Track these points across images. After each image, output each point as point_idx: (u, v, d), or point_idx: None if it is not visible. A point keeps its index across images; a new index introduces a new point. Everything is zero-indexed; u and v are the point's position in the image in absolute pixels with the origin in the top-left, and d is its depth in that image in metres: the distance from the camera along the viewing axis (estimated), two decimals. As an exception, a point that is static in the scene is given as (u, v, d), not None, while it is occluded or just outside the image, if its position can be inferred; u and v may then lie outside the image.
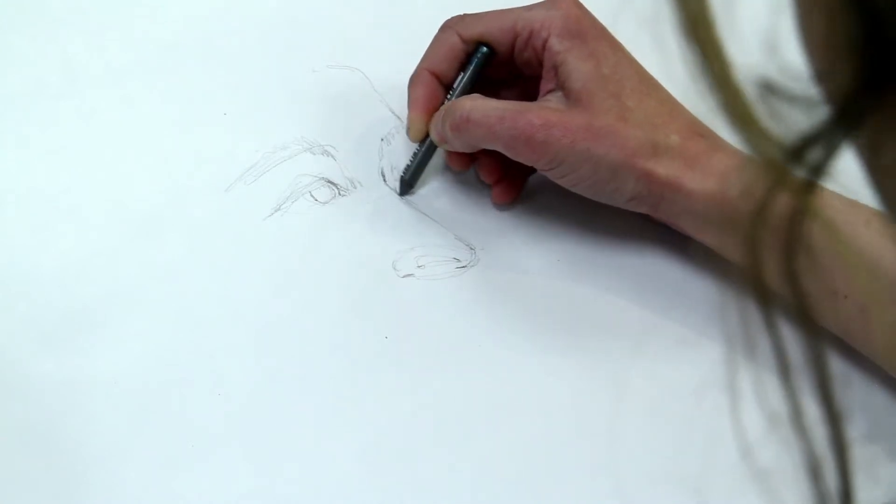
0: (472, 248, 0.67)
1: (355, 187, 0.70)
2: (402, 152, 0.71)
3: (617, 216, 0.67)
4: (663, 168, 0.62)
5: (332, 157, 0.70)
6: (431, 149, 0.68)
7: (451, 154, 0.68)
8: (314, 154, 0.71)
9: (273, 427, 0.61)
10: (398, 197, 0.69)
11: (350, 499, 0.60)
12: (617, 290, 0.66)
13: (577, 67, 0.63)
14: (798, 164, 0.31)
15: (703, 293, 0.66)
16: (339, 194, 0.69)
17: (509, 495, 0.60)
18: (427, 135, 0.67)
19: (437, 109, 0.67)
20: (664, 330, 0.65)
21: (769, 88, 0.31)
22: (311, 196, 0.69)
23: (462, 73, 0.67)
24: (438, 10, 0.77)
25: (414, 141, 0.68)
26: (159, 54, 0.74)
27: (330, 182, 0.70)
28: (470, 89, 0.66)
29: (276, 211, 0.69)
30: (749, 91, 0.31)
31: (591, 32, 0.64)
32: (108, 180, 0.70)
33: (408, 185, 0.69)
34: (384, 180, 0.70)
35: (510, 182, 0.68)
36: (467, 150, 0.66)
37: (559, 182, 0.64)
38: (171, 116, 0.72)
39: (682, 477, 0.60)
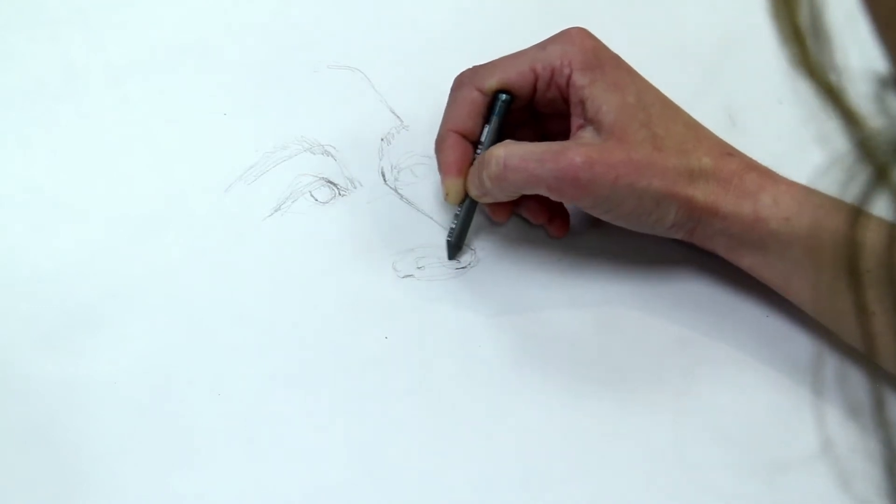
0: (472, 250, 0.67)
1: (355, 187, 0.70)
2: (402, 152, 0.71)
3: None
4: (701, 193, 0.62)
5: (332, 157, 0.70)
6: (473, 206, 0.66)
7: (493, 206, 0.66)
8: (314, 154, 0.71)
9: (273, 427, 0.61)
10: (398, 197, 0.69)
11: (350, 499, 0.60)
12: (617, 290, 0.66)
13: (606, 100, 0.62)
14: None
15: (703, 289, 0.66)
16: (339, 194, 0.69)
17: (510, 496, 0.60)
18: (466, 195, 0.66)
19: (469, 167, 0.65)
20: (664, 327, 0.65)
21: (885, 84, 0.31)
22: (311, 196, 0.69)
23: (487, 126, 0.65)
24: (438, 10, 0.77)
25: (454, 204, 0.66)
26: (159, 54, 0.74)
27: (330, 182, 0.70)
28: (497, 139, 0.65)
29: (276, 211, 0.69)
30: (850, 87, 0.31)
31: (609, 63, 0.64)
32: (108, 180, 0.70)
33: (456, 247, 0.67)
34: (384, 180, 0.70)
35: (562, 216, 0.67)
36: (509, 199, 0.65)
37: (603, 218, 0.63)
38: (170, 116, 0.72)
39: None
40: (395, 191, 0.70)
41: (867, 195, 0.32)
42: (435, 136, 0.68)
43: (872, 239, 0.34)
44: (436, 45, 0.75)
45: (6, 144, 0.71)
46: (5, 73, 0.74)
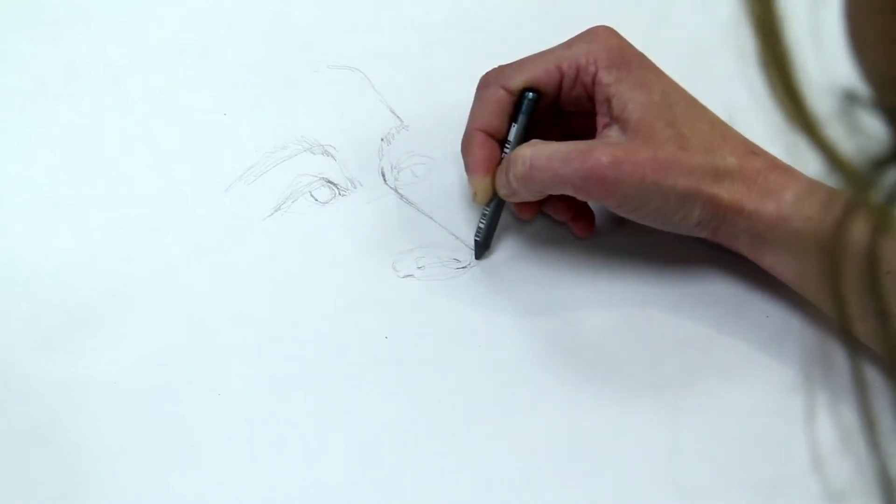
0: (472, 249, 0.67)
1: (355, 187, 0.70)
2: (402, 152, 0.71)
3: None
4: (726, 192, 0.62)
5: (332, 157, 0.70)
6: (500, 205, 0.66)
7: (520, 204, 0.66)
8: (314, 154, 0.71)
9: (273, 427, 0.61)
10: (398, 197, 0.69)
11: (350, 499, 0.60)
12: (618, 290, 0.66)
13: (632, 98, 0.62)
14: (879, 178, 0.31)
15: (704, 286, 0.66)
16: (339, 194, 0.69)
17: (511, 496, 0.60)
18: (495, 194, 0.66)
19: (497, 167, 0.65)
20: (665, 327, 0.65)
21: (852, 98, 0.31)
22: (311, 196, 0.69)
23: (514, 124, 0.65)
24: (438, 10, 0.77)
25: (482, 204, 0.66)
26: (159, 54, 0.74)
27: (330, 182, 0.70)
28: (524, 138, 0.65)
29: (276, 211, 0.69)
30: (819, 106, 0.31)
31: (634, 61, 0.64)
32: (108, 180, 0.70)
33: (483, 246, 0.67)
34: (384, 180, 0.70)
35: (586, 216, 0.67)
36: (536, 199, 0.65)
37: (628, 217, 0.63)
38: (170, 116, 0.72)
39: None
40: (395, 191, 0.70)
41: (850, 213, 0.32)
42: (436, 137, 0.67)
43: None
44: (436, 45, 0.75)
45: (6, 144, 0.71)
46: (5, 73, 0.74)
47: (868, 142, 0.31)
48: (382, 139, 0.71)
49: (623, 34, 0.65)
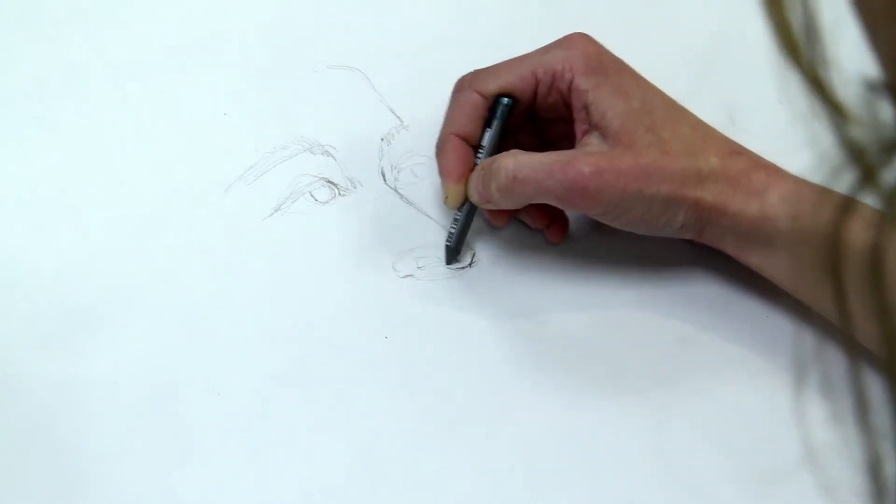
0: (471, 250, 0.67)
1: (355, 187, 0.70)
2: (402, 152, 0.71)
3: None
4: (710, 194, 0.61)
5: (332, 157, 0.70)
6: (472, 211, 0.66)
7: (493, 211, 0.66)
8: (314, 154, 0.71)
9: (273, 427, 0.61)
10: (398, 197, 0.69)
11: (349, 499, 0.60)
12: (618, 292, 0.66)
13: (611, 105, 0.62)
14: (888, 162, 0.31)
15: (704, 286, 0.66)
16: (339, 194, 0.69)
17: (510, 496, 0.60)
18: (466, 199, 0.66)
19: (470, 172, 0.65)
20: (664, 328, 0.65)
21: (873, 87, 0.31)
22: (311, 196, 0.69)
23: (488, 129, 0.65)
24: (438, 10, 0.77)
25: (453, 208, 0.66)
26: (159, 54, 0.74)
27: (330, 182, 0.70)
28: (498, 143, 0.65)
29: (276, 211, 0.69)
30: (841, 89, 0.31)
31: (611, 67, 0.64)
32: (108, 180, 0.70)
33: (454, 251, 0.67)
34: (384, 180, 0.70)
35: (560, 222, 0.67)
36: (516, 207, 0.65)
37: (611, 224, 0.63)
38: (171, 116, 0.72)
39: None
40: (395, 191, 0.70)
41: (853, 196, 0.32)
42: (435, 137, 0.67)
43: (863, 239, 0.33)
44: (436, 45, 0.75)
45: (6, 144, 0.71)
46: (5, 73, 0.74)
47: (881, 127, 0.31)
48: (382, 139, 0.71)
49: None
